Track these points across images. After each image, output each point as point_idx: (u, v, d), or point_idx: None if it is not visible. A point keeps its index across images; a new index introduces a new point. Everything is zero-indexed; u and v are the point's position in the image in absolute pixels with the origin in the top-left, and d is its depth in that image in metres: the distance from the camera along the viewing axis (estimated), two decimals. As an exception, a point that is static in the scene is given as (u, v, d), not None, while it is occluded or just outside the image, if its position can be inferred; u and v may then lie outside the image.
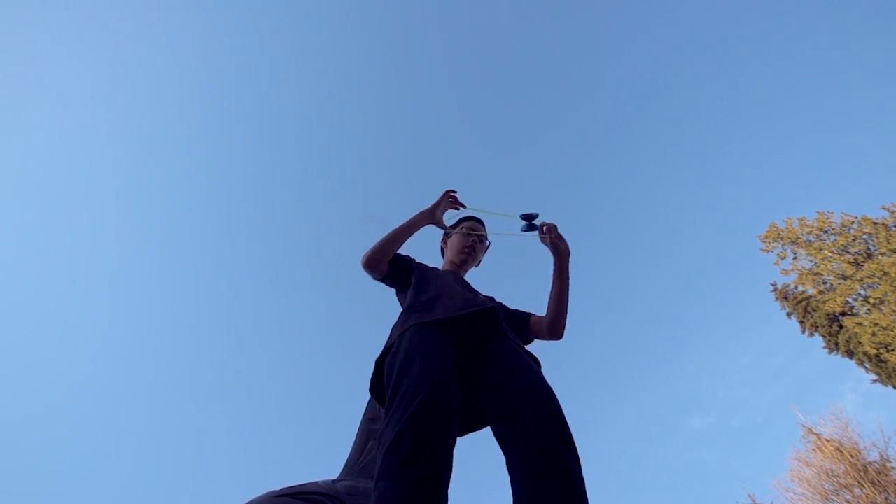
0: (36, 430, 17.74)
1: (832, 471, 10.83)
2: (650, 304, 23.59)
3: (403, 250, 1.67)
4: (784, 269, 13.43)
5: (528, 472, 0.96)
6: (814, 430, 11.57)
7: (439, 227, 1.70)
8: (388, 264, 1.60)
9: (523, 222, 1.68)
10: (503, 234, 1.81)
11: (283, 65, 23.13)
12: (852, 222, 12.62)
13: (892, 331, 10.78)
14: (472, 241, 1.82)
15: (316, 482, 1.38)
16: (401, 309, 1.52)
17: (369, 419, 1.74)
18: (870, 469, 10.47)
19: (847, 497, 10.47)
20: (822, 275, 12.75)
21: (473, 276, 1.88)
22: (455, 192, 1.71)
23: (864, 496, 10.15)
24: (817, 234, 13.07)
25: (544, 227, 1.63)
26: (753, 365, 21.46)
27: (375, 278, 1.64)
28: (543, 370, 1.31)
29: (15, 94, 18.66)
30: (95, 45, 20.13)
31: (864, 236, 12.33)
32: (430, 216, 1.67)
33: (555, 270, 1.61)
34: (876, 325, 11.07)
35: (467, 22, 23.73)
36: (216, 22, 21.22)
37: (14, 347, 18.27)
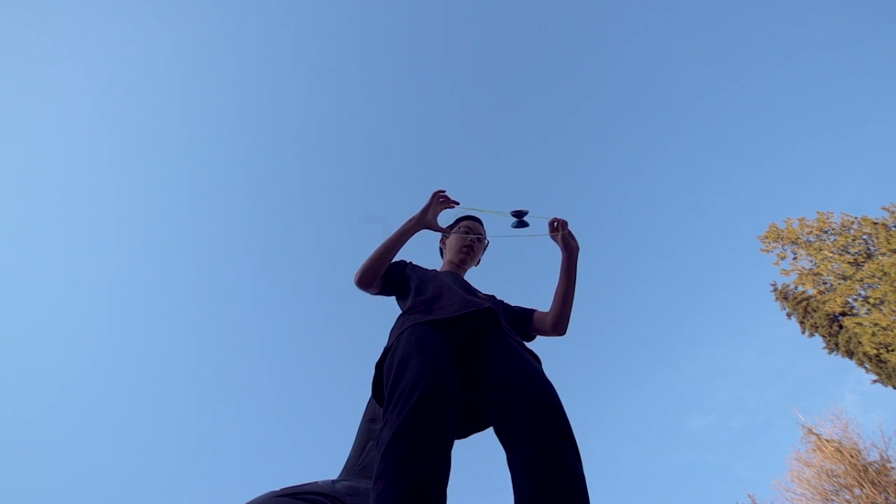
0: (36, 430, 17.73)
1: (832, 471, 10.83)
2: (650, 304, 23.60)
3: (401, 254, 1.65)
4: (784, 270, 13.43)
5: (528, 468, 0.96)
6: (814, 431, 11.57)
7: (434, 230, 1.65)
8: (381, 278, 1.58)
9: (514, 219, 1.69)
10: (504, 236, 1.78)
11: (283, 64, 23.13)
12: (852, 222, 12.61)
13: (892, 331, 10.78)
14: (470, 240, 1.82)
15: (316, 482, 1.38)
16: (401, 311, 1.52)
17: (369, 419, 1.74)
18: (870, 469, 10.46)
19: (847, 497, 10.47)
20: (822, 275, 12.75)
21: (474, 275, 1.88)
22: (444, 191, 1.66)
23: (864, 496, 10.15)
24: (817, 235, 13.07)
25: (556, 223, 1.63)
26: (753, 365, 21.48)
27: (372, 294, 1.61)
28: (544, 370, 1.31)
29: (15, 94, 18.66)
30: (95, 45, 20.13)
31: (864, 236, 12.32)
32: (421, 222, 1.62)
33: (563, 266, 1.61)
34: (876, 325, 11.06)
35: (467, 22, 23.73)
36: (216, 21, 21.22)
37: (14, 347, 18.26)
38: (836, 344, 12.14)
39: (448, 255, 1.86)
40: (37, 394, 18.74)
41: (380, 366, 1.27)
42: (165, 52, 20.84)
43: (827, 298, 12.35)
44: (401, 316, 1.46)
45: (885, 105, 17.16)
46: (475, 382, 1.23)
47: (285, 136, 23.71)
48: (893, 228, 11.85)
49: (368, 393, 1.65)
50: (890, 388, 11.36)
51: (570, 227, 1.63)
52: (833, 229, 12.88)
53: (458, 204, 1.67)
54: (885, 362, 11.13)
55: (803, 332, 12.89)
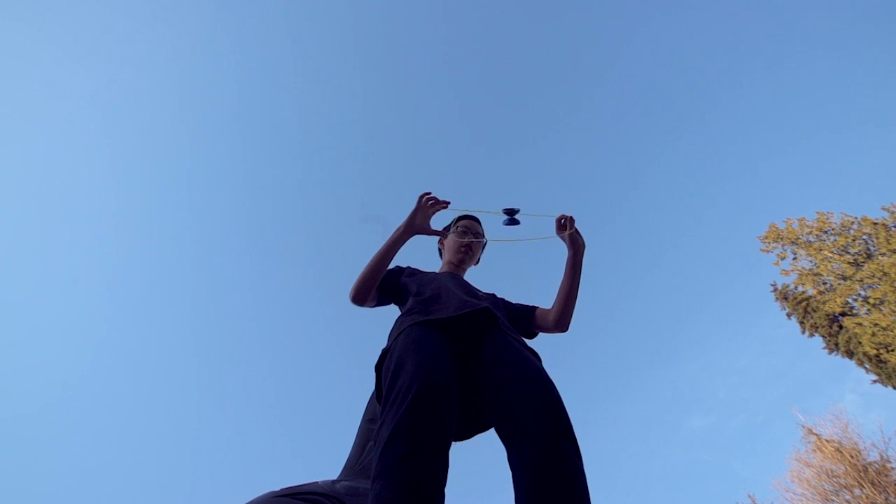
0: (36, 430, 17.73)
1: (832, 471, 10.83)
2: (650, 304, 23.60)
3: (400, 258, 1.63)
4: (784, 270, 13.44)
5: (529, 465, 0.96)
6: (814, 431, 11.58)
7: (426, 234, 1.59)
8: (376, 291, 1.56)
9: (505, 216, 1.69)
10: (519, 239, 1.74)
11: (282, 64, 23.14)
12: (852, 223, 12.62)
13: (892, 331, 10.78)
14: (468, 239, 1.82)
15: (316, 482, 1.37)
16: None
17: (369, 420, 1.74)
18: (870, 469, 10.47)
19: (847, 497, 10.47)
20: (821, 275, 12.75)
21: (475, 274, 1.87)
22: (429, 193, 1.59)
23: (864, 497, 10.15)
24: (817, 235, 13.07)
25: (563, 220, 1.62)
26: (753, 365, 21.49)
27: (370, 307, 1.59)
28: (545, 368, 1.30)
29: (15, 94, 18.66)
30: (95, 45, 20.13)
31: (864, 237, 12.33)
32: (410, 228, 1.55)
33: (568, 263, 1.61)
34: (876, 325, 11.07)
35: (467, 22, 23.74)
36: (216, 21, 21.22)
37: (14, 347, 18.26)
38: (836, 344, 12.14)
39: (447, 255, 1.85)
40: (37, 394, 18.75)
41: (379, 367, 1.27)
42: (165, 51, 20.85)
43: (827, 298, 12.36)
44: (399, 317, 1.46)
45: (885, 105, 17.17)
46: (475, 382, 1.23)
47: (285, 135, 23.73)
48: (893, 228, 11.86)
49: (368, 393, 1.65)
50: (890, 388, 11.37)
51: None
52: (833, 229, 12.88)
53: (448, 204, 1.61)
54: (885, 362, 11.13)
55: (803, 333, 12.90)
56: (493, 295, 1.70)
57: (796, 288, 13.20)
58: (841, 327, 12.12)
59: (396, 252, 1.55)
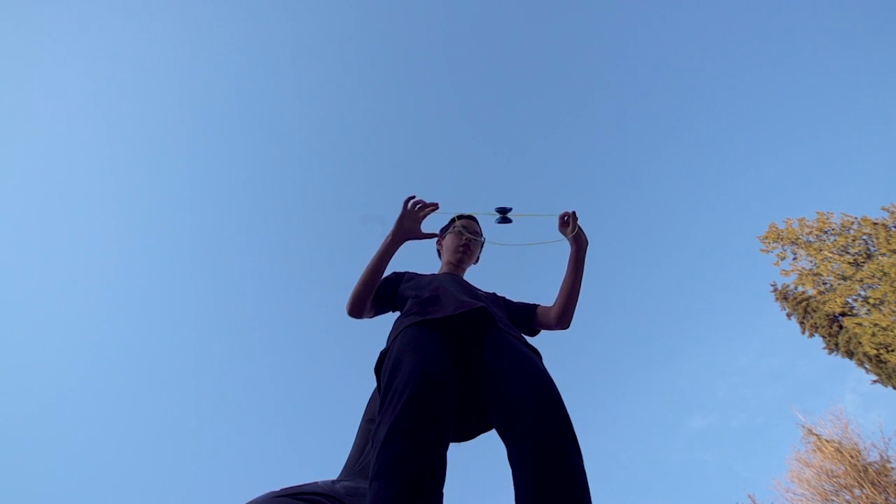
0: (36, 430, 17.72)
1: (832, 471, 10.83)
2: (650, 304, 23.61)
3: (400, 260, 1.62)
4: (784, 270, 13.44)
5: (529, 463, 0.95)
6: (814, 431, 11.57)
7: (417, 238, 1.57)
8: (373, 302, 1.55)
9: (498, 215, 1.70)
10: (535, 243, 1.73)
11: (281, 64, 23.14)
12: (852, 223, 12.62)
13: (892, 331, 10.78)
14: (465, 239, 1.81)
15: (316, 483, 1.37)
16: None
17: (368, 420, 1.73)
18: (870, 469, 10.47)
19: (847, 498, 10.47)
20: (821, 275, 12.75)
21: (476, 274, 1.87)
22: (414, 197, 1.56)
23: (864, 497, 10.15)
24: (817, 235, 13.07)
25: (566, 217, 1.62)
26: (753, 365, 21.48)
27: (369, 318, 1.58)
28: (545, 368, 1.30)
29: (15, 94, 18.66)
30: (95, 45, 20.13)
31: (864, 237, 12.33)
32: (399, 234, 1.53)
33: (571, 260, 1.60)
34: (876, 325, 11.07)
35: (467, 22, 23.74)
36: (215, 21, 21.22)
37: (14, 347, 18.26)
38: (836, 344, 12.14)
39: (445, 256, 1.85)
40: (37, 393, 18.74)
41: (378, 369, 1.27)
42: (165, 50, 20.85)
43: (827, 299, 12.36)
44: (397, 319, 1.46)
45: (885, 105, 17.17)
46: (475, 381, 1.23)
47: (285, 135, 23.72)
48: (893, 229, 11.86)
49: (368, 393, 1.65)
50: (890, 388, 11.37)
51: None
52: (833, 230, 12.89)
53: (437, 206, 1.58)
54: (885, 362, 11.13)
55: (803, 333, 12.90)
56: (494, 294, 1.70)
57: (796, 288, 13.20)
58: (841, 327, 12.12)
59: (388, 261, 1.54)
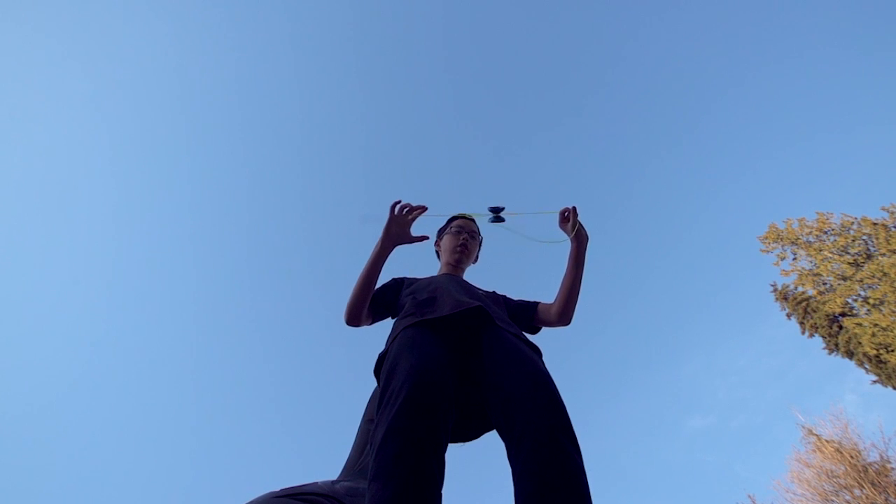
0: (36, 430, 17.72)
1: (832, 472, 10.82)
2: (650, 304, 23.60)
3: (401, 261, 1.62)
4: (784, 270, 13.45)
5: (528, 463, 0.95)
6: (814, 431, 11.57)
7: (407, 243, 1.56)
8: (370, 309, 1.55)
9: (491, 214, 1.70)
10: (549, 241, 1.70)
11: (281, 63, 23.14)
12: (852, 223, 12.63)
13: (891, 331, 10.78)
14: (463, 238, 1.81)
15: (316, 483, 1.37)
16: None
17: (368, 420, 1.73)
18: (870, 470, 10.46)
19: (847, 498, 10.47)
20: (821, 275, 12.76)
21: (477, 273, 1.87)
22: (400, 201, 1.54)
23: (864, 497, 10.15)
24: (817, 235, 13.08)
25: (566, 213, 1.62)
26: (753, 365, 21.47)
27: (368, 325, 1.58)
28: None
29: (15, 93, 18.66)
30: (95, 45, 20.13)
31: (864, 237, 12.34)
32: (388, 239, 1.52)
33: (571, 256, 1.60)
34: (876, 325, 11.07)
35: (467, 22, 23.75)
36: (215, 20, 21.23)
37: (14, 347, 18.26)
38: (836, 344, 12.15)
39: (444, 256, 1.84)
40: (37, 393, 18.74)
41: (377, 371, 1.27)
42: (164, 50, 20.85)
43: (827, 299, 12.37)
44: (396, 321, 1.46)
45: (885, 105, 17.18)
46: (474, 381, 1.23)
47: (284, 134, 23.73)
48: (893, 229, 11.86)
49: (367, 393, 1.65)
50: (890, 388, 11.38)
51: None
52: (833, 230, 12.89)
53: (426, 209, 1.57)
54: (884, 363, 11.14)
55: (803, 333, 12.91)
56: (494, 293, 1.70)
57: (796, 288, 13.20)
58: (841, 327, 12.12)
59: (380, 268, 1.53)
